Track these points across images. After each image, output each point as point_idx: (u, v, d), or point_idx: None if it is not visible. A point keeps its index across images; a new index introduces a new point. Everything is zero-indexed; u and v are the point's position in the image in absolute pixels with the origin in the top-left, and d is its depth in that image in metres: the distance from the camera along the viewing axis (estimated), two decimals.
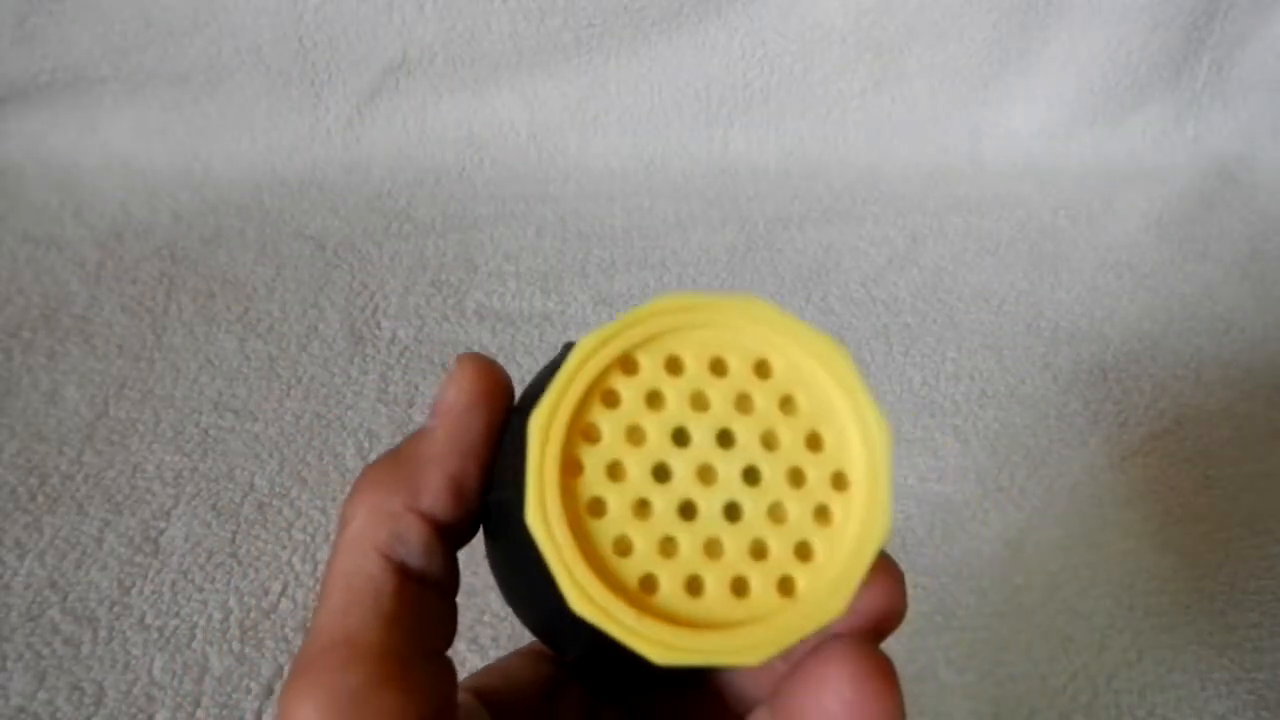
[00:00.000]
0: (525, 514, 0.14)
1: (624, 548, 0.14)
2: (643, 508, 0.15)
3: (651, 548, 0.14)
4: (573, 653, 0.18)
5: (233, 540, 0.46)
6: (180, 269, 0.64)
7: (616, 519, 0.14)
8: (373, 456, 0.51)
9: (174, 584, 0.44)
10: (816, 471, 0.15)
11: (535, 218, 0.72)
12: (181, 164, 0.74)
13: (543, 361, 0.29)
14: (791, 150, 0.80)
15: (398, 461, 0.16)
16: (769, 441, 0.15)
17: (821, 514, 0.15)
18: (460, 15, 0.74)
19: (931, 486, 0.51)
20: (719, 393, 0.15)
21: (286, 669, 0.41)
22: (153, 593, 0.43)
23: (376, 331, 0.60)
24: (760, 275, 0.67)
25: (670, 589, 0.14)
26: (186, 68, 0.74)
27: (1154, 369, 0.60)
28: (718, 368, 0.15)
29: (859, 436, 0.15)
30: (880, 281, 0.67)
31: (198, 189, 0.72)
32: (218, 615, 0.43)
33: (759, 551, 0.15)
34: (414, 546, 0.16)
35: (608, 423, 0.15)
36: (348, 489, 0.49)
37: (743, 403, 0.15)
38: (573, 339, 0.18)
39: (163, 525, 0.47)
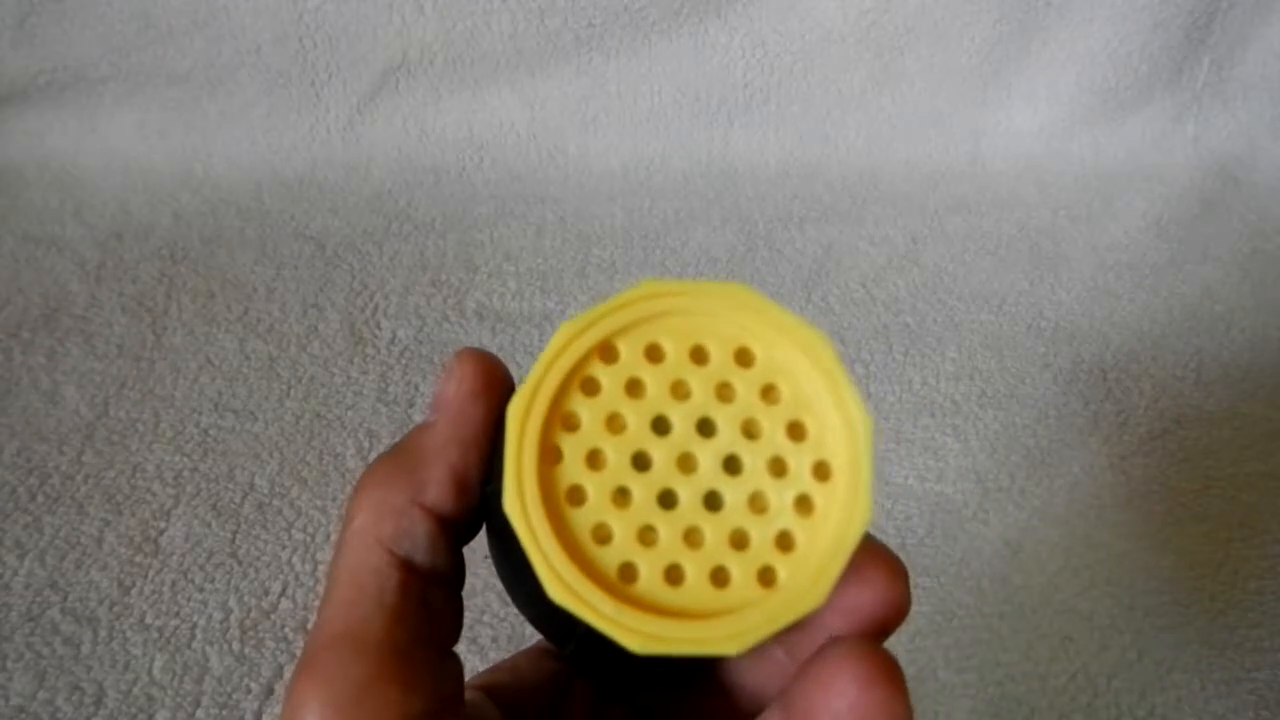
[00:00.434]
0: (503, 502, 0.14)
1: (603, 536, 0.14)
2: (622, 496, 0.14)
3: (631, 536, 0.14)
4: (568, 645, 0.18)
5: (233, 540, 0.46)
6: (180, 269, 0.64)
7: (595, 507, 0.14)
8: (372, 456, 0.51)
9: (174, 584, 0.44)
10: (798, 461, 0.15)
11: (535, 218, 0.72)
12: (181, 164, 0.74)
13: None
14: (791, 150, 0.80)
15: (400, 456, 0.16)
16: (750, 430, 0.15)
17: (803, 503, 0.15)
18: (460, 15, 0.74)
19: (931, 486, 0.51)
20: (700, 381, 0.15)
21: (287, 669, 0.41)
22: (153, 593, 0.43)
23: (376, 331, 0.60)
24: (760, 275, 0.67)
25: (650, 578, 0.14)
26: (186, 68, 0.74)
27: (1154, 369, 0.60)
28: (698, 356, 0.15)
29: (841, 425, 0.15)
30: (880, 281, 0.67)
31: (198, 189, 0.72)
32: (218, 615, 0.43)
33: (739, 541, 0.15)
34: (418, 540, 0.16)
35: (587, 410, 0.15)
36: (348, 489, 0.50)
37: (723, 391, 0.15)
38: None
39: (163, 525, 0.47)
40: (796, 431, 0.15)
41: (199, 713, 0.39)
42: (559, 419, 0.15)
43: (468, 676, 0.17)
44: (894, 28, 0.78)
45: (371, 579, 0.15)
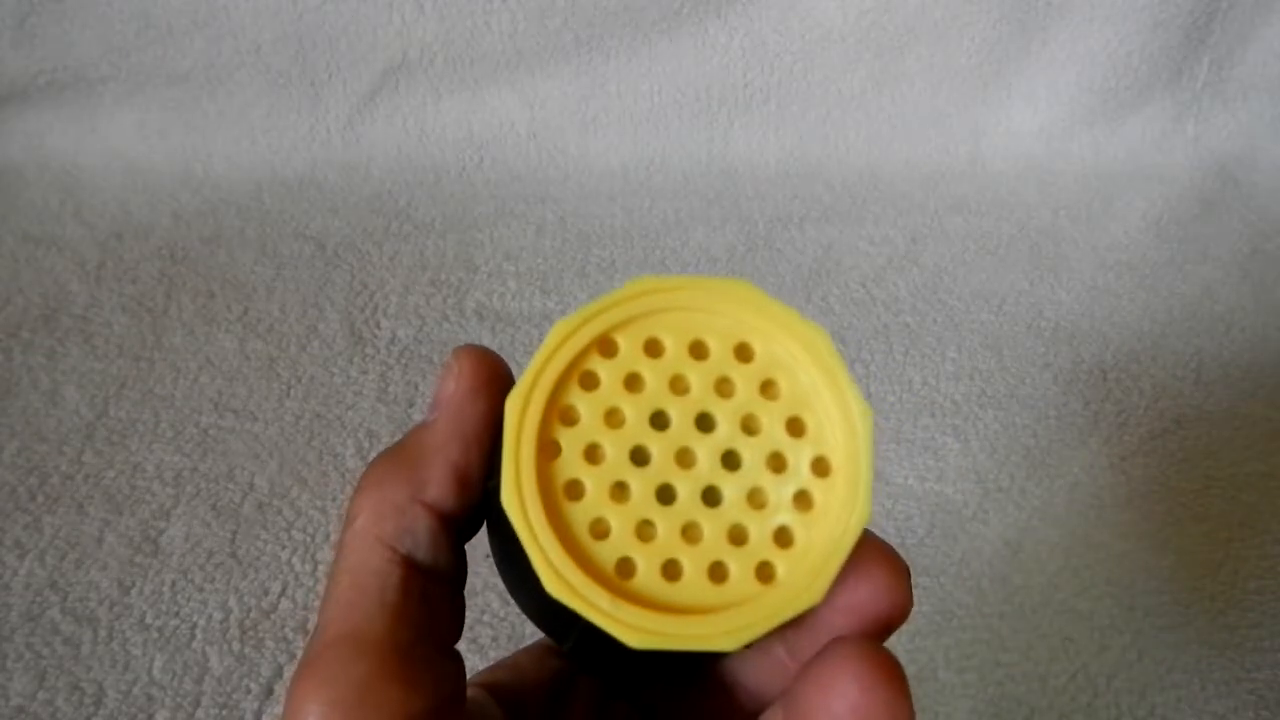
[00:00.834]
0: (500, 496, 0.14)
1: (601, 531, 0.14)
2: (620, 491, 0.14)
3: (629, 531, 0.14)
4: (566, 641, 0.18)
5: (233, 540, 0.46)
6: (180, 269, 0.64)
7: (593, 502, 0.14)
8: (372, 456, 0.50)
9: (174, 584, 0.44)
10: (797, 456, 0.15)
11: (535, 218, 0.72)
12: (181, 164, 0.74)
13: None
14: (791, 150, 0.80)
15: (401, 454, 0.16)
16: (749, 426, 0.15)
17: (802, 499, 0.15)
18: (460, 15, 0.74)
19: (931, 486, 0.51)
20: (698, 376, 0.15)
21: (287, 669, 0.41)
22: (153, 593, 0.43)
23: (376, 331, 0.60)
24: (760, 275, 0.67)
25: (647, 573, 0.14)
26: (186, 68, 0.74)
27: (1154, 369, 0.60)
28: (697, 350, 0.15)
29: (841, 421, 0.15)
30: (880, 281, 0.67)
31: (198, 189, 0.72)
32: (218, 615, 0.43)
33: (738, 537, 0.15)
34: (420, 538, 0.16)
35: (585, 405, 0.15)
36: (348, 489, 0.50)
37: (722, 386, 0.15)
38: None
39: (163, 525, 0.47)
40: (795, 427, 0.15)
41: (199, 713, 0.39)
42: (557, 413, 0.15)
43: (468, 676, 0.17)
44: (894, 28, 0.78)
45: (373, 578, 0.15)
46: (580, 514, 0.14)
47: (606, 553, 0.14)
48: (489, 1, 0.74)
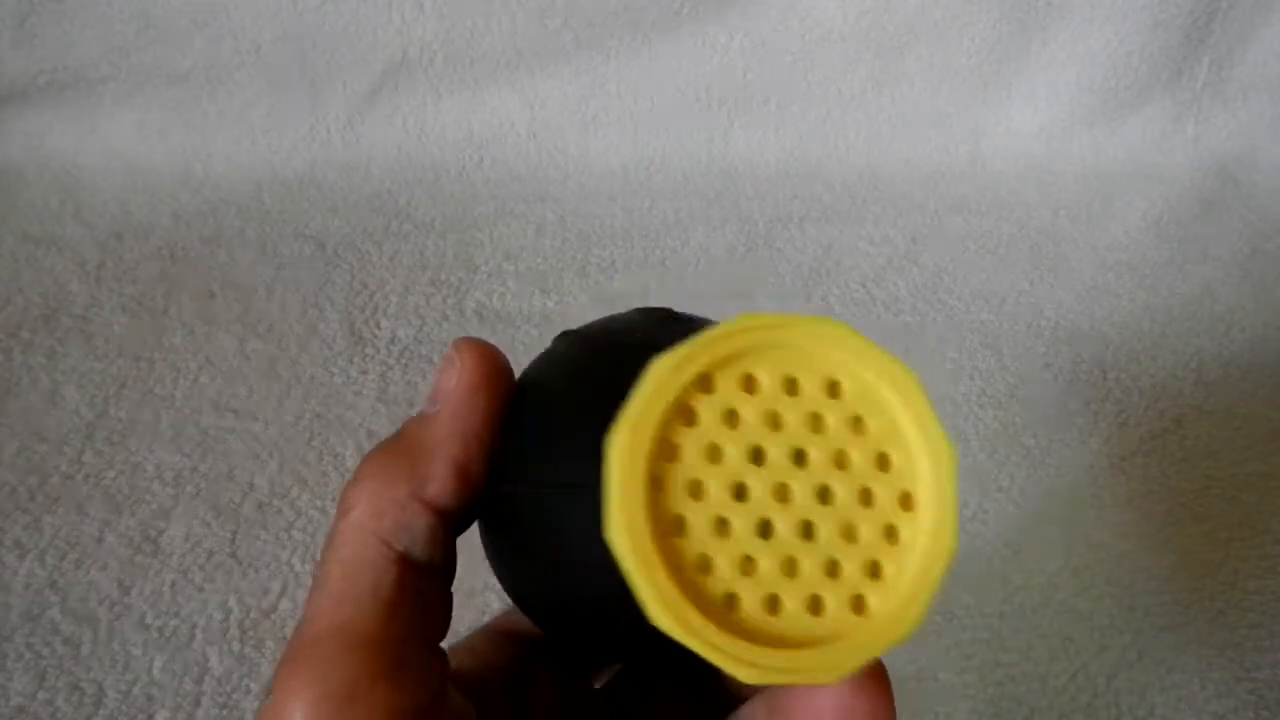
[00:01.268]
0: (607, 530, 0.14)
1: (705, 566, 0.14)
2: (723, 526, 0.15)
3: (733, 566, 0.14)
4: (598, 638, 0.18)
5: (233, 540, 0.46)
6: (180, 269, 0.64)
7: (698, 538, 0.14)
8: None
9: (174, 584, 0.44)
10: (884, 491, 0.15)
11: (535, 217, 0.72)
12: (181, 164, 0.74)
13: None
14: (791, 150, 0.80)
15: (400, 448, 0.16)
16: (840, 461, 0.15)
17: (890, 533, 0.15)
18: (460, 15, 0.74)
19: None
20: (793, 412, 0.15)
21: None
22: (153, 593, 0.43)
23: (376, 331, 0.60)
24: (760, 275, 0.67)
25: (751, 607, 0.14)
26: (186, 68, 0.74)
27: (1154, 369, 0.60)
28: (791, 387, 0.15)
29: (925, 458, 0.15)
30: (880, 281, 0.67)
31: (198, 189, 0.72)
32: (218, 615, 0.43)
33: (832, 570, 0.15)
34: (418, 535, 0.15)
35: (687, 441, 0.15)
36: None
37: (815, 422, 0.15)
38: (570, 331, 0.18)
39: (163, 525, 0.47)
40: (883, 463, 0.15)
41: (199, 713, 0.39)
42: (660, 449, 0.15)
43: None
44: (894, 28, 0.78)
45: (367, 573, 0.15)
46: (686, 550, 0.14)
47: (713, 588, 0.14)
48: (489, 1, 0.74)
